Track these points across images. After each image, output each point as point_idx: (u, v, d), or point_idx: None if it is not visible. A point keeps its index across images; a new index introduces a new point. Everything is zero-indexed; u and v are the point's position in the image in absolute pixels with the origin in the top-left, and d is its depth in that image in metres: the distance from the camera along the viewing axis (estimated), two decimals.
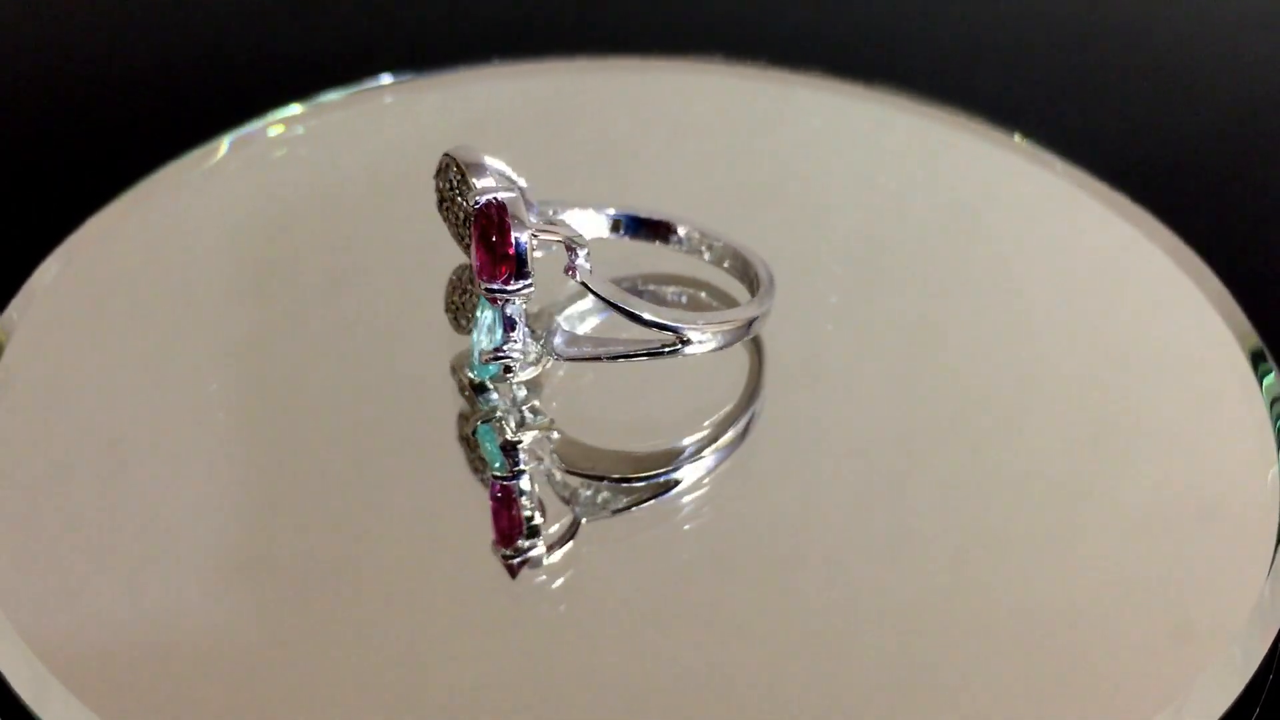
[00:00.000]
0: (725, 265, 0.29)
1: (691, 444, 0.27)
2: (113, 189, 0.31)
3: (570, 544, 0.25)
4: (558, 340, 0.26)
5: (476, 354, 0.26)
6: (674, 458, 0.27)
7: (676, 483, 0.26)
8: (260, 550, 0.25)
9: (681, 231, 0.29)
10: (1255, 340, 0.28)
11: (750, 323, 0.27)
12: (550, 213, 0.27)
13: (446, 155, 0.26)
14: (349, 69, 0.34)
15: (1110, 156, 0.34)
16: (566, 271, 0.26)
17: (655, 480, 0.26)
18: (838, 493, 0.27)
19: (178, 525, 0.25)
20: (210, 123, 0.32)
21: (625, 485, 0.26)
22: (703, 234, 0.28)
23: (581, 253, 0.26)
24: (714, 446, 0.27)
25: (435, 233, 0.27)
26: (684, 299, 0.29)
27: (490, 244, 0.25)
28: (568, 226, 0.26)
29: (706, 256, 0.29)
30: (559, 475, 0.26)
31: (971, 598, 0.25)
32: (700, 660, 0.24)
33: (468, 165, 0.26)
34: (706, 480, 0.27)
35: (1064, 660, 0.24)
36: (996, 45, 0.39)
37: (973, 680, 0.24)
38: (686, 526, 0.26)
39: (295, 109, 0.33)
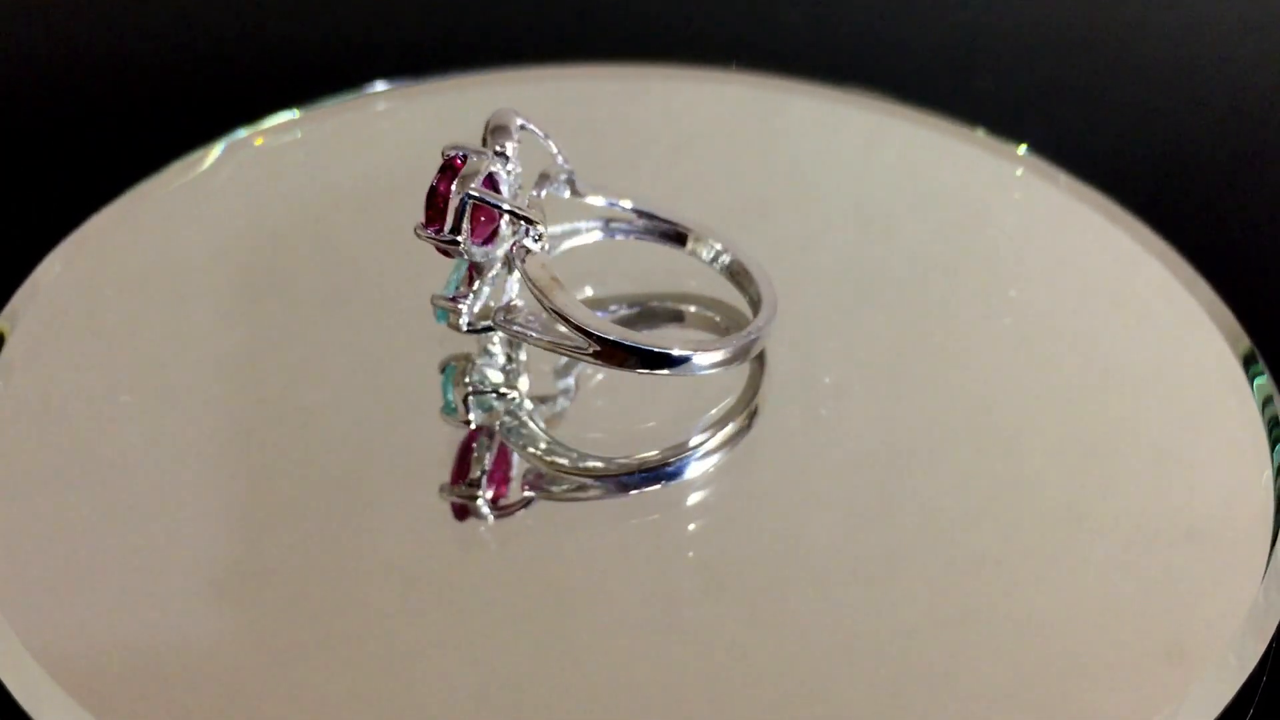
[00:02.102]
0: (731, 280, 0.28)
1: (668, 450, 0.27)
2: (117, 188, 0.31)
3: (516, 514, 0.26)
4: (502, 311, 0.27)
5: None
6: (647, 459, 0.27)
7: (648, 483, 0.27)
8: (262, 554, 0.25)
9: (711, 246, 0.28)
10: (1246, 343, 0.28)
11: (721, 360, 0.27)
12: (568, 190, 0.27)
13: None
14: (349, 74, 0.35)
15: (1101, 162, 0.34)
16: (512, 249, 0.26)
17: (618, 478, 0.27)
18: (827, 506, 0.26)
19: (178, 525, 0.25)
20: (211, 125, 0.33)
21: (571, 476, 0.27)
22: (727, 250, 0.28)
23: (533, 231, 0.26)
24: (692, 454, 0.27)
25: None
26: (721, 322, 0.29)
27: (434, 191, 0.26)
28: (539, 210, 0.27)
29: (720, 271, 0.29)
30: (512, 448, 0.27)
31: (965, 610, 0.25)
32: (664, 665, 0.24)
33: (492, 129, 0.27)
34: (688, 486, 0.27)
35: (1055, 670, 0.24)
36: (993, 53, 0.39)
37: (965, 694, 0.24)
38: (681, 528, 0.26)
39: (293, 114, 0.33)
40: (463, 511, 0.26)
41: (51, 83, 0.37)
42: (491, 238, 0.26)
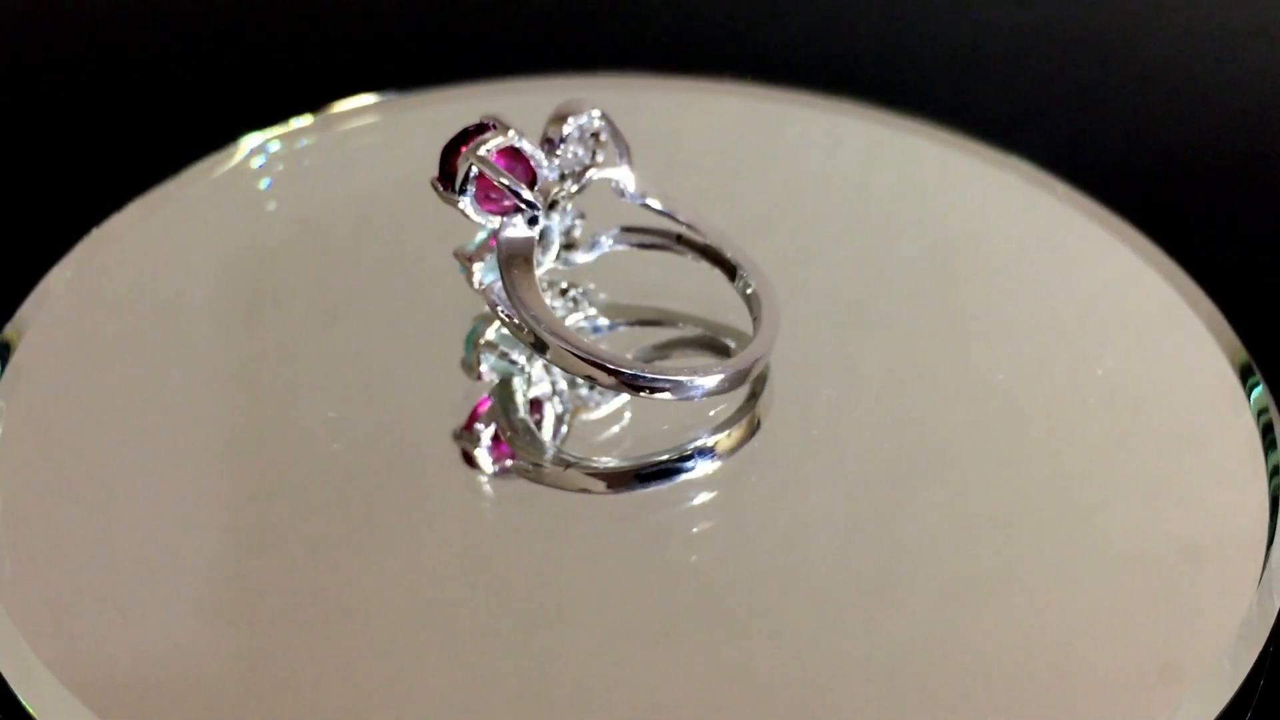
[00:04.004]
0: (748, 307, 0.28)
1: (666, 458, 0.27)
2: (126, 195, 0.31)
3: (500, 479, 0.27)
4: (492, 279, 0.27)
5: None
6: (643, 465, 0.27)
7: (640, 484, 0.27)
8: (269, 561, 0.26)
9: (742, 277, 0.28)
10: (1244, 355, 0.28)
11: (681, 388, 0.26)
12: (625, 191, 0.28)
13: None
14: (358, 81, 0.35)
15: (1100, 172, 0.34)
16: (501, 224, 0.27)
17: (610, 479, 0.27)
18: (824, 519, 0.26)
19: (187, 531, 0.26)
20: (222, 132, 0.33)
21: (546, 468, 0.27)
22: (751, 275, 0.28)
23: (524, 217, 0.27)
24: (691, 463, 0.27)
25: (439, 246, 0.28)
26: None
27: (447, 148, 0.26)
28: (542, 196, 0.27)
29: (740, 293, 0.28)
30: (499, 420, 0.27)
31: (962, 624, 0.25)
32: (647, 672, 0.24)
33: (554, 115, 0.27)
34: (685, 494, 0.27)
35: (1051, 685, 0.24)
36: (989, 61, 0.39)
37: (962, 708, 0.24)
38: (678, 537, 0.27)
39: (306, 119, 0.33)
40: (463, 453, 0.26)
41: (60, 89, 0.37)
42: (513, 212, 0.27)
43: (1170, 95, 0.38)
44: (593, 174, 0.28)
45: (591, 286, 0.29)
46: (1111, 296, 0.30)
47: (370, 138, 0.34)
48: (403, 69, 0.36)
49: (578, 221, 0.28)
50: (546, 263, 0.28)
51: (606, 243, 0.29)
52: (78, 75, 0.38)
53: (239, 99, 0.36)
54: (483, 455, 0.27)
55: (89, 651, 0.24)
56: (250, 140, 0.32)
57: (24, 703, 0.24)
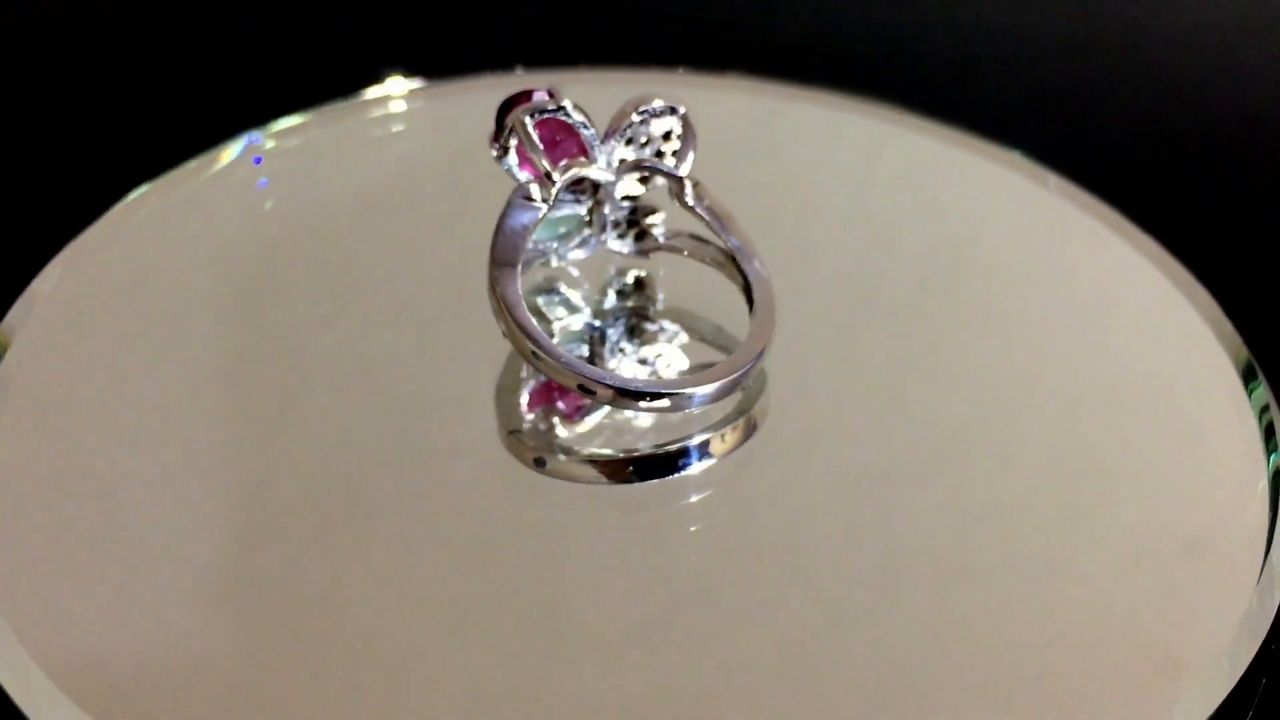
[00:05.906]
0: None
1: (665, 456, 0.27)
2: (116, 195, 0.31)
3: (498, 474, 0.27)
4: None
5: None
6: (643, 463, 0.27)
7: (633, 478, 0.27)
8: (260, 559, 0.25)
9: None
10: (1244, 352, 0.28)
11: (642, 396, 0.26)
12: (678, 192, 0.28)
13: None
14: (354, 78, 0.35)
15: (1102, 170, 0.34)
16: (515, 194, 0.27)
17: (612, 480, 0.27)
18: (823, 515, 0.27)
19: (177, 531, 0.26)
20: (213, 130, 0.33)
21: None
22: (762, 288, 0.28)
23: (537, 191, 0.27)
24: (689, 461, 0.27)
25: (445, 244, 0.28)
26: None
27: (500, 107, 0.27)
28: (561, 172, 0.27)
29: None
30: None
31: (961, 620, 0.25)
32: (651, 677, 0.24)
33: (624, 107, 0.28)
34: (684, 493, 0.27)
35: (1051, 681, 0.24)
36: (990, 59, 0.39)
37: (961, 704, 0.24)
38: (676, 535, 0.27)
39: (302, 118, 0.33)
40: (458, 516, 0.26)
41: (50, 89, 0.37)
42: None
43: (1173, 93, 0.38)
44: (648, 170, 0.28)
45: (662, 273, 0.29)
46: (1113, 293, 0.30)
47: (369, 133, 0.33)
48: (400, 66, 0.36)
49: (656, 217, 0.28)
50: (594, 244, 0.28)
51: (659, 239, 0.29)
52: (64, 74, 0.38)
53: (228, 99, 0.36)
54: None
55: (83, 651, 0.24)
56: (241, 140, 0.32)
57: (17, 703, 0.24)
